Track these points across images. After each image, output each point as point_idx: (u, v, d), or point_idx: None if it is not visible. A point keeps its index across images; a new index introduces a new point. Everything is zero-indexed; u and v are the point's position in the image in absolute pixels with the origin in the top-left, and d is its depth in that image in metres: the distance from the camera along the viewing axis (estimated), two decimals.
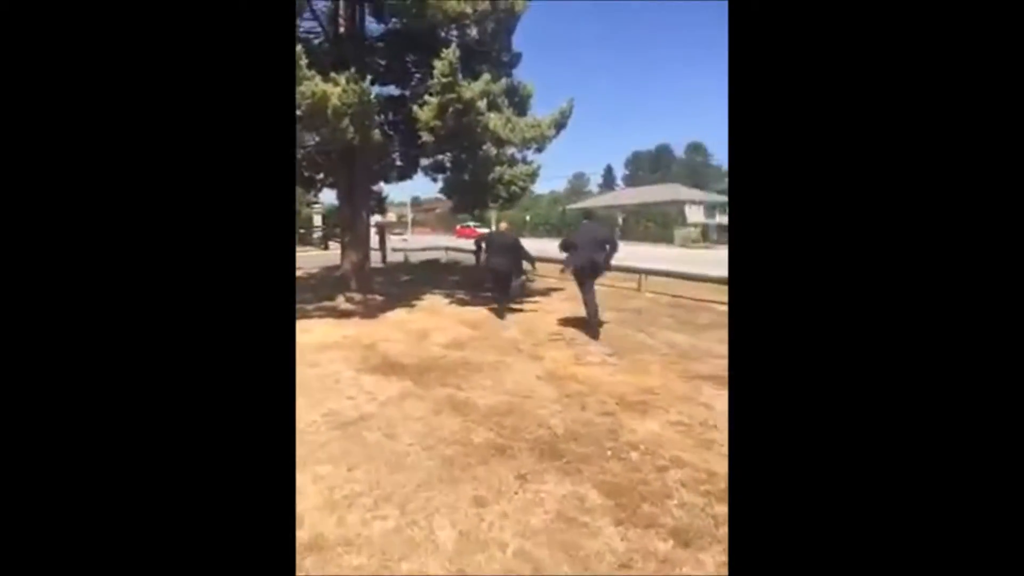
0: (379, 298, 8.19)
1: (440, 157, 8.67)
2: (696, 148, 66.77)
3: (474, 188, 7.61)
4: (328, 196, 17.04)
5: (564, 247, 5.90)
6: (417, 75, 7.84)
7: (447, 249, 15.48)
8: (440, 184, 10.25)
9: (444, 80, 5.67)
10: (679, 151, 67.06)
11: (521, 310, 7.42)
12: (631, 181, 64.00)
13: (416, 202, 47.89)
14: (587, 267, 5.68)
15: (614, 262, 6.01)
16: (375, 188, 9.81)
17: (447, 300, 8.31)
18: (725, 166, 59.38)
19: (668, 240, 29.41)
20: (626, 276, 9.94)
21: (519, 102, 7.70)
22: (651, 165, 66.39)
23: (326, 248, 18.54)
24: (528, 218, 38.74)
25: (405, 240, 23.95)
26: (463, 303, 8.03)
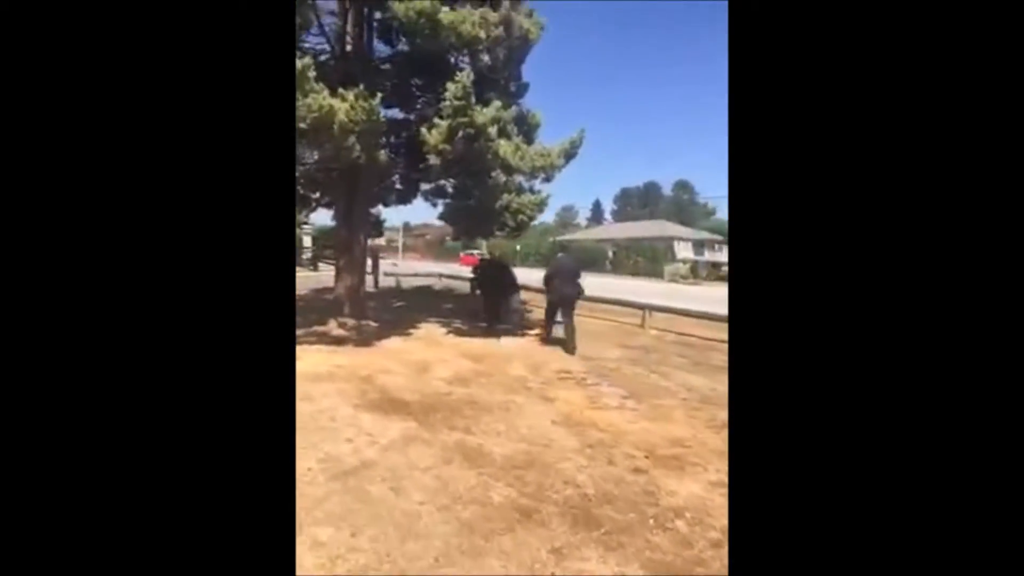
0: (373, 324, 7.78)
1: (444, 182, 8.42)
2: (683, 186, 68.07)
3: (479, 215, 7.33)
4: (319, 217, 16.65)
5: (546, 280, 6.95)
6: (422, 99, 7.65)
7: (440, 276, 15.14)
8: (439, 209, 10.00)
9: (456, 103, 5.44)
10: (667, 188, 68.24)
11: (521, 340, 7.08)
12: (619, 216, 64.74)
13: (406, 227, 47.78)
14: (565, 298, 6.76)
15: (609, 294, 7.69)
16: (373, 211, 9.50)
17: (444, 329, 7.93)
18: (711, 203, 60.65)
19: (657, 275, 29.43)
20: (624, 310, 9.72)
21: (527, 131, 7.53)
22: (639, 201, 67.34)
23: (316, 270, 18.07)
24: (519, 248, 38.68)
25: (395, 265, 23.55)
26: (461, 333, 7.66)
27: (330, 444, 3.35)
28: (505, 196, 6.81)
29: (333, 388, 4.58)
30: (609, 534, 2.46)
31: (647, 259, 32.27)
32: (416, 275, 15.43)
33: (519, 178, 7.13)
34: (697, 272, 30.72)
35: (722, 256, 36.63)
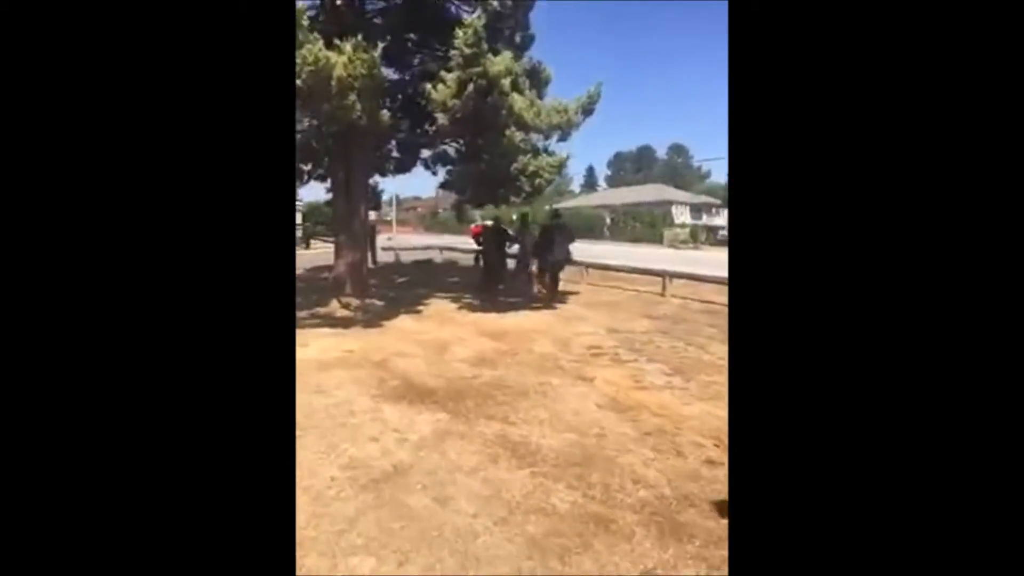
0: (378, 303, 7.30)
1: (447, 146, 7.81)
2: (678, 149, 66.91)
3: (491, 179, 6.73)
4: (309, 192, 15.89)
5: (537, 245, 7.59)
6: (420, 55, 6.97)
7: (442, 249, 14.56)
8: (439, 179, 9.41)
9: (468, 51, 4.82)
10: (661, 152, 67.11)
11: (538, 314, 6.62)
12: (613, 182, 63.60)
13: (397, 200, 46.65)
14: (560, 262, 7.44)
15: (613, 261, 8.63)
16: (371, 182, 8.88)
17: (455, 305, 7.45)
18: (706, 167, 59.78)
19: (656, 240, 28.93)
20: (639, 278, 9.28)
21: (538, 86, 6.90)
22: (633, 166, 66.20)
23: (308, 247, 17.41)
24: (515, 216, 37.87)
25: (390, 239, 22.87)
26: (473, 309, 7.19)
27: (353, 445, 2.90)
28: (521, 158, 6.21)
29: (347, 377, 4.12)
30: (705, 546, 2.04)
31: (645, 225, 31.67)
32: (415, 248, 14.83)
33: (534, 137, 6.51)
34: (696, 236, 30.26)
35: (720, 220, 36.17)
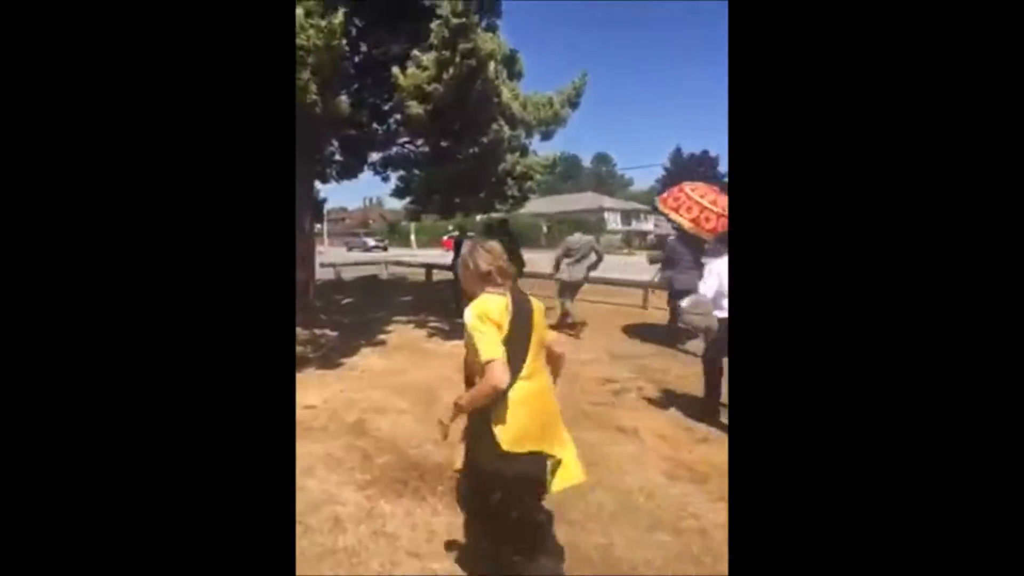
0: (331, 333, 6.08)
1: (403, 147, 6.72)
2: (602, 158, 68.71)
3: (470, 183, 5.73)
4: None
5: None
6: (379, 36, 5.86)
7: (387, 264, 13.23)
8: (393, 185, 8.27)
9: (455, 21, 3.83)
10: (586, 161, 68.48)
11: None
12: (542, 190, 64.07)
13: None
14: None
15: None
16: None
17: (423, 332, 6.36)
18: (628, 175, 61.74)
19: None
20: (609, 289, 8.58)
21: (512, 78, 6.01)
22: (560, 174, 67.10)
23: None
24: (451, 227, 36.81)
25: (321, 253, 21.00)
26: (446, 334, 6.14)
27: None
28: (508, 157, 5.28)
29: (316, 452, 2.99)
30: None
31: (582, 232, 31.69)
32: (356, 264, 13.40)
33: (507, 134, 5.60)
34: (631, 242, 30.60)
35: (647, 225, 37.15)
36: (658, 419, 3.53)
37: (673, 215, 4.68)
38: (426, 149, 6.72)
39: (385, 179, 8.33)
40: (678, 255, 5.02)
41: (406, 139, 6.41)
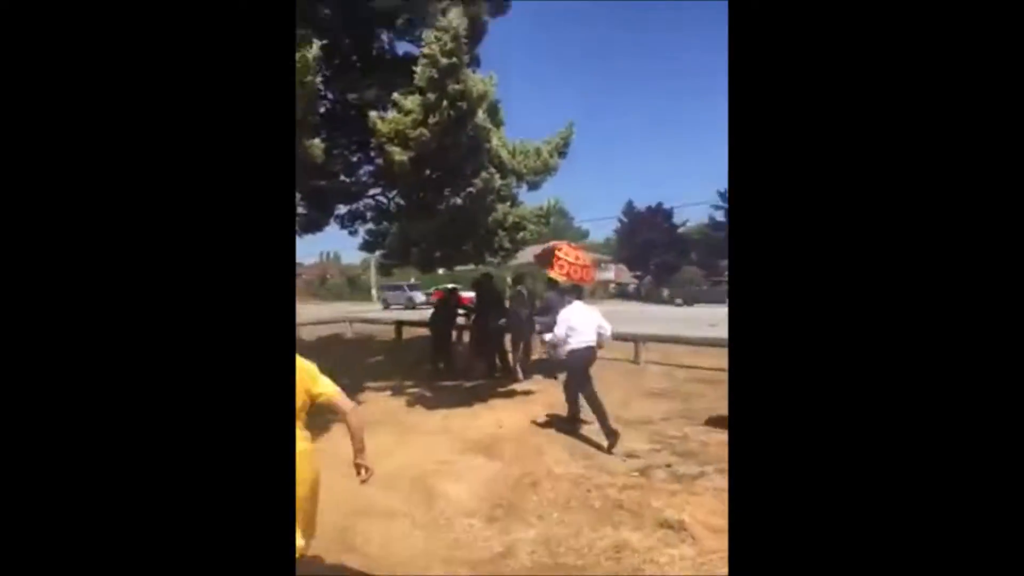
0: None
1: (373, 199, 6.24)
2: (559, 212, 70.14)
3: (455, 235, 5.24)
4: None
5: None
6: (354, 80, 5.47)
7: (350, 321, 12.40)
8: (360, 239, 7.74)
9: (445, 61, 3.47)
10: None
11: (509, 402, 5.10)
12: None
13: None
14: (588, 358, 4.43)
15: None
16: None
17: (402, 400, 5.66)
18: (584, 226, 63.37)
19: None
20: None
21: (495, 126, 5.71)
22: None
23: None
24: (412, 279, 36.05)
25: None
26: (429, 403, 5.47)
27: None
28: (499, 206, 4.86)
29: None
30: None
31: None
32: (316, 323, 12.50)
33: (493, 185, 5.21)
34: (595, 292, 30.75)
35: (609, 274, 37.72)
36: (702, 504, 3.00)
37: (549, 272, 5.29)
38: (400, 201, 6.25)
39: (352, 233, 7.79)
40: (552, 304, 5.34)
41: (378, 190, 5.94)
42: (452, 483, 3.40)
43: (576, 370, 4.15)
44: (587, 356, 4.11)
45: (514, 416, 4.91)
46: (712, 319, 12.11)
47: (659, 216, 34.08)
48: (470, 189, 4.33)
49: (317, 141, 3.67)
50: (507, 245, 5.27)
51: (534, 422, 4.70)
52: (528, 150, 5.01)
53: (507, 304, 6.73)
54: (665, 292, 26.88)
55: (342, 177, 6.34)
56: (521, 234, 5.15)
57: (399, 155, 3.93)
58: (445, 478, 3.48)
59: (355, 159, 6.73)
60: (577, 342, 4.08)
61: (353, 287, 40.81)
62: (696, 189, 79.48)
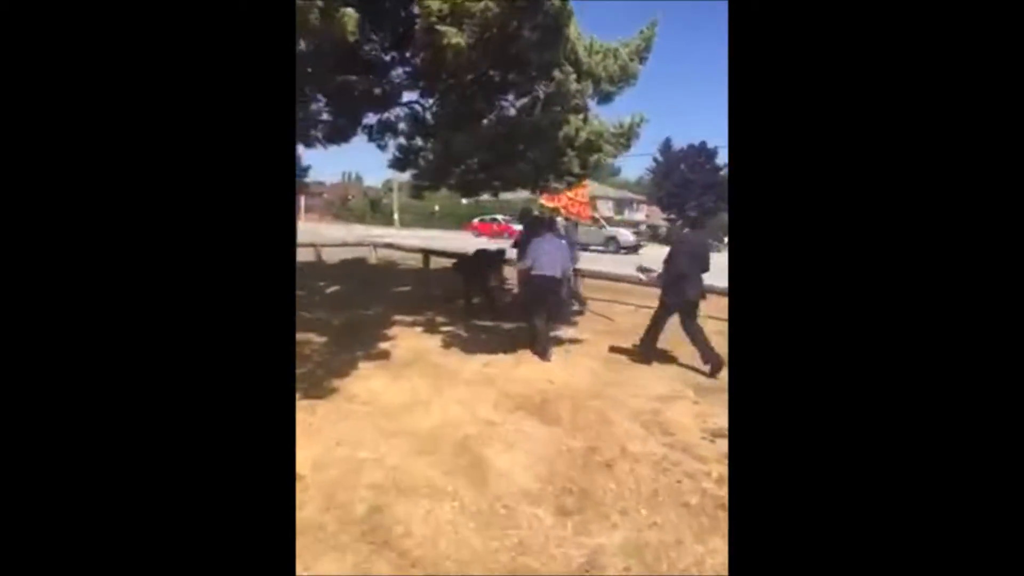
0: (316, 339, 4.72)
1: (408, 107, 5.32)
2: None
3: (513, 152, 4.34)
4: None
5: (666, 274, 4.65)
6: None
7: (374, 245, 11.72)
8: (390, 155, 6.86)
9: None
10: None
11: (558, 351, 4.46)
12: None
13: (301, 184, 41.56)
14: (687, 301, 4.52)
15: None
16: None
17: (435, 339, 5.04)
18: (615, 163, 60.91)
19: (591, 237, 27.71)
20: (616, 286, 7.34)
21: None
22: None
23: None
24: (437, 208, 35.09)
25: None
26: (465, 344, 4.85)
27: None
28: (572, 118, 3.94)
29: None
30: None
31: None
32: (338, 244, 11.85)
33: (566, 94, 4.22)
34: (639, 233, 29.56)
35: (639, 215, 36.44)
36: None
37: (545, 202, 5.95)
38: (441, 108, 5.32)
39: (382, 147, 6.90)
40: (528, 237, 5.39)
41: (414, 95, 5.00)
42: (504, 452, 2.78)
43: (530, 297, 4.65)
44: (544, 286, 4.47)
45: (565, 369, 4.25)
46: None
47: (701, 155, 32.05)
48: (536, 92, 3.41)
49: (350, 11, 2.77)
50: (576, 169, 4.37)
51: (590, 379, 4.05)
52: (604, 50, 4.01)
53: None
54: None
55: (371, 77, 5.40)
56: (595, 156, 4.24)
57: (454, 36, 3.02)
58: (495, 445, 2.86)
59: (388, 58, 5.77)
60: (538, 272, 4.38)
61: (375, 210, 40.06)
62: None
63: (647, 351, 4.57)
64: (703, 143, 32.06)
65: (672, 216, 31.89)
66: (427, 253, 10.03)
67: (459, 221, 33.17)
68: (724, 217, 31.00)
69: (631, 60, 4.16)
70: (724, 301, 6.43)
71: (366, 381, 3.76)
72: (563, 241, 5.00)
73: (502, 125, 3.95)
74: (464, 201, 37.74)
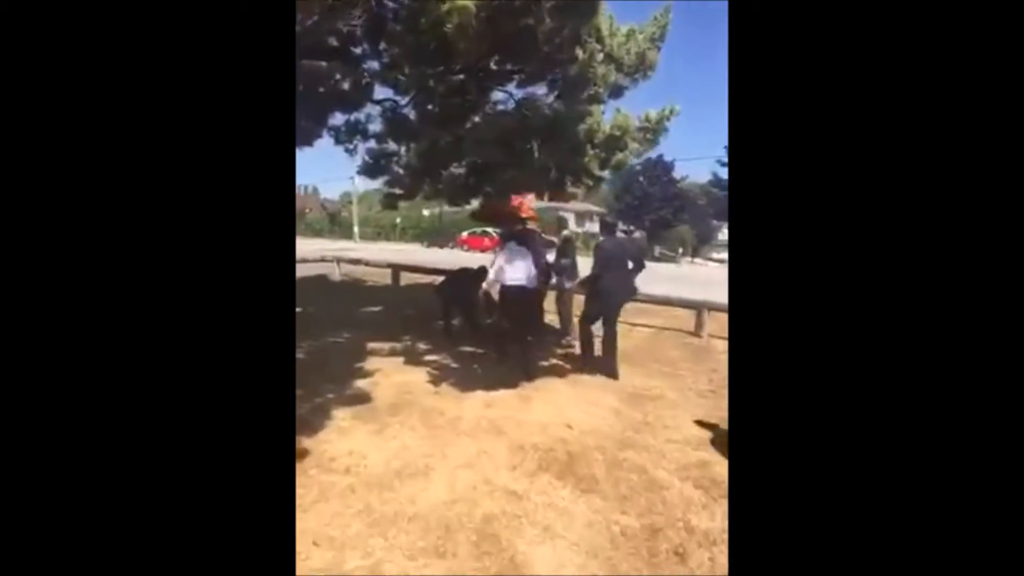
0: None
1: (378, 104, 4.59)
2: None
3: (515, 150, 3.64)
4: None
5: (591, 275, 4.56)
6: None
7: (337, 260, 10.76)
8: (359, 160, 6.12)
9: None
10: None
11: (564, 382, 3.80)
12: None
13: None
14: (613, 302, 4.46)
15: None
16: None
17: (420, 372, 4.29)
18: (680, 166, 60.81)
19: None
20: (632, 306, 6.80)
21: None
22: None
23: None
24: (399, 220, 33.99)
25: None
26: (460, 381, 4.12)
27: None
28: (594, 109, 3.32)
29: None
30: None
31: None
32: (304, 260, 10.81)
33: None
34: (588, 244, 29.40)
35: (595, 227, 36.40)
36: None
37: (525, 218, 5.49)
38: (421, 107, 4.62)
39: (351, 151, 6.13)
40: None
41: (390, 93, 4.26)
42: (540, 542, 2.09)
43: (500, 311, 4.60)
44: (512, 297, 4.35)
45: (581, 408, 3.61)
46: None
47: (659, 168, 32.43)
48: (552, 77, 2.78)
49: None
50: (596, 170, 3.74)
51: (613, 419, 3.41)
52: (625, 32, 3.43)
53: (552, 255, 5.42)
54: (657, 250, 26.30)
55: (338, 72, 4.66)
56: (618, 155, 3.62)
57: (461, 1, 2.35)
58: (526, 531, 2.16)
59: (360, 50, 5.05)
60: (503, 282, 4.33)
61: (334, 223, 38.59)
62: (698, 144, 76.53)
63: (607, 368, 4.38)
64: (660, 156, 32.51)
65: (629, 228, 32.03)
66: (396, 268, 9.23)
67: (423, 235, 32.25)
68: (682, 230, 31.47)
69: (647, 44, 3.60)
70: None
71: (345, 438, 2.99)
72: (526, 249, 4.60)
73: (506, 119, 3.29)
74: (426, 213, 36.76)
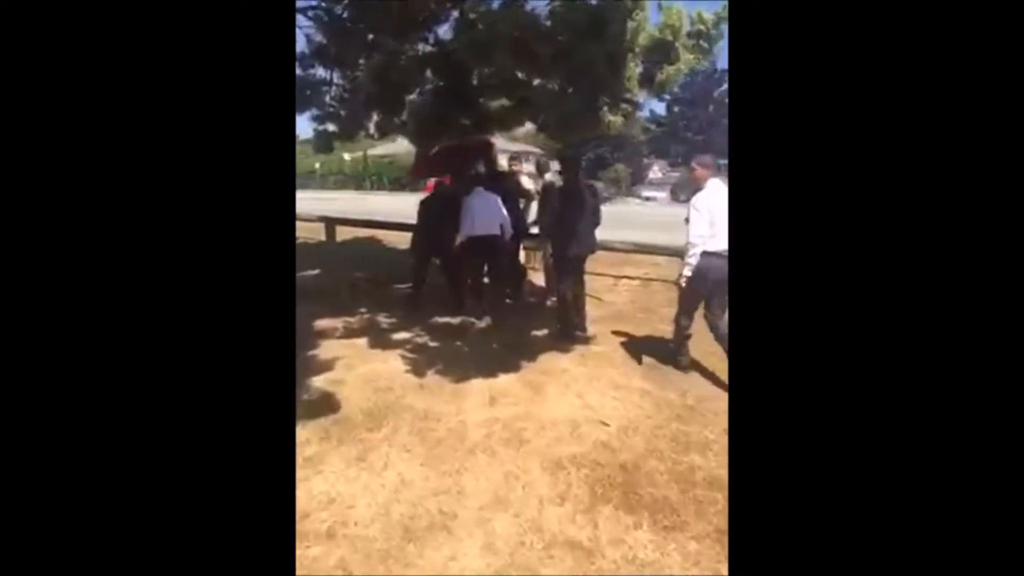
0: None
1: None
2: None
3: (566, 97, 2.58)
4: None
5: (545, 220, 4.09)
6: None
7: (321, 219, 9.03)
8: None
9: None
10: None
11: (568, 357, 3.15)
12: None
13: None
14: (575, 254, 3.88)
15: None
16: None
17: (393, 356, 3.44)
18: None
19: None
20: (611, 256, 6.23)
21: None
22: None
23: None
24: (318, 166, 31.05)
25: None
26: (447, 364, 3.33)
27: None
28: (640, 10, 2.41)
29: None
30: None
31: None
32: None
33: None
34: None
35: (531, 167, 35.27)
36: None
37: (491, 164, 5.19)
38: (363, 14, 3.50)
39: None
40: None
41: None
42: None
43: (467, 264, 4.23)
44: (480, 248, 4.01)
45: (605, 393, 2.96)
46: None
47: (711, 83, 30.66)
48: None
49: None
50: (635, 87, 2.83)
51: (653, 410, 2.79)
52: None
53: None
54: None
55: None
56: (667, 69, 2.72)
57: None
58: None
59: None
60: (472, 233, 3.95)
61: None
62: None
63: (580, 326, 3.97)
64: (714, 65, 30.29)
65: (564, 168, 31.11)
66: (330, 222, 8.01)
67: (346, 183, 29.78)
68: (619, 168, 30.93)
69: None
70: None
71: (315, 476, 2.15)
72: (496, 196, 4.12)
73: (513, 15, 2.30)
74: (347, 157, 33.58)
